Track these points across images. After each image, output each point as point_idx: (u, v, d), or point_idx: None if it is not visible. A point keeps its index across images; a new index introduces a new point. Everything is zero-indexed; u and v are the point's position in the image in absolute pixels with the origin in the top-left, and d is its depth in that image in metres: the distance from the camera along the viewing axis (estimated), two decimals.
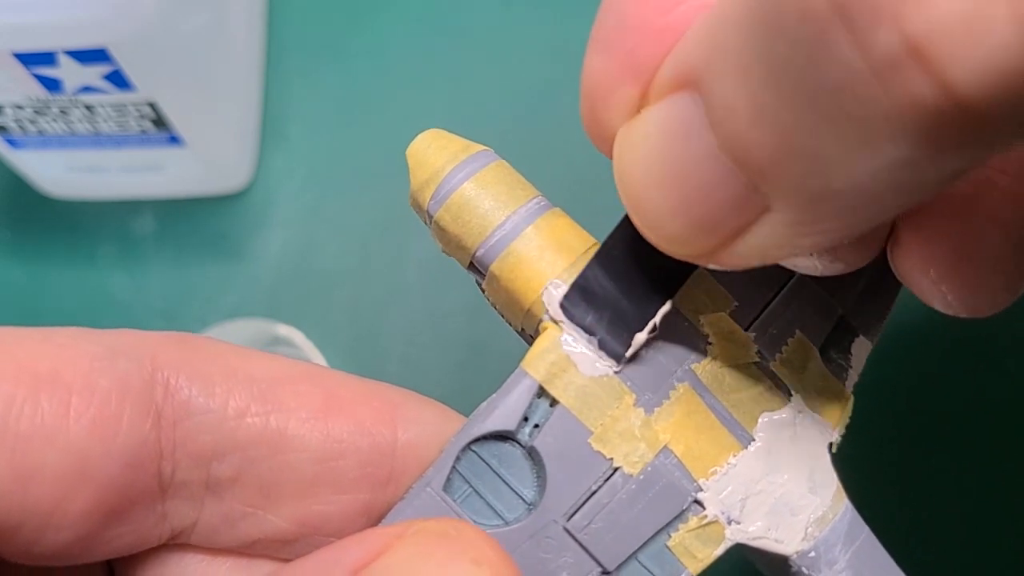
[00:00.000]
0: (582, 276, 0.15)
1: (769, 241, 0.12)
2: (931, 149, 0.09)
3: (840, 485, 0.16)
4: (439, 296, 0.37)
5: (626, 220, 0.14)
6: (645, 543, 0.15)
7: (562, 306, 0.15)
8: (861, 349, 0.16)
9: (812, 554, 0.15)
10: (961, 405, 0.34)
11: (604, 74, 0.13)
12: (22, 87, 0.31)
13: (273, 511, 0.15)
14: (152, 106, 0.33)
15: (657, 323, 0.14)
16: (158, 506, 0.15)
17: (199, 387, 0.15)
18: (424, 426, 0.15)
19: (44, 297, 0.38)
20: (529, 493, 0.15)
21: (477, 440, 0.15)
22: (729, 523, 0.15)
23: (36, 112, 0.33)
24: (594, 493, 0.14)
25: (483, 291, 0.16)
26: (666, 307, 0.15)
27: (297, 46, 0.40)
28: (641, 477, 0.15)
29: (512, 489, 0.15)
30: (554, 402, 0.14)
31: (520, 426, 0.15)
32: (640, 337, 0.14)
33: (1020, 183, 0.13)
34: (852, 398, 0.16)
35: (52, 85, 0.31)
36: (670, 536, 0.15)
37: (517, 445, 0.15)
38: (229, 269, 0.38)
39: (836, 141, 0.10)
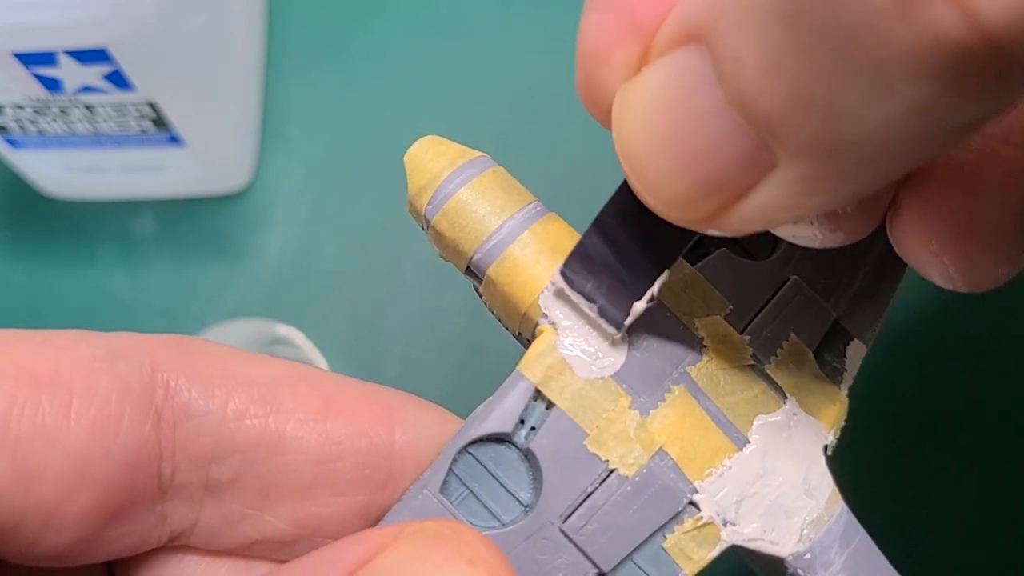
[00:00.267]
0: (581, 243, 0.14)
1: (775, 201, 0.11)
2: (954, 92, 0.09)
3: (835, 487, 0.16)
4: (438, 296, 0.37)
5: (624, 186, 0.14)
6: (641, 544, 0.15)
7: (562, 273, 0.14)
8: (856, 352, 0.16)
9: (807, 556, 0.15)
10: (961, 405, 0.34)
11: (602, 33, 0.13)
12: (22, 87, 0.31)
13: (272, 513, 0.15)
14: (152, 106, 0.33)
15: (655, 292, 0.14)
16: (158, 507, 0.15)
17: (199, 389, 0.15)
18: (422, 429, 0.15)
19: (44, 297, 0.39)
20: (525, 495, 0.15)
21: (474, 442, 0.15)
22: (724, 525, 0.15)
23: (36, 112, 0.33)
24: (590, 495, 0.15)
25: (480, 296, 0.16)
26: (664, 276, 0.14)
27: (297, 46, 0.40)
28: (636, 479, 0.15)
29: (508, 491, 0.15)
30: (550, 405, 0.15)
31: (516, 428, 0.15)
32: (639, 306, 0.14)
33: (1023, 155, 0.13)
34: (847, 400, 0.16)
35: (52, 85, 0.31)
36: (666, 538, 0.15)
37: (513, 447, 0.15)
38: (229, 269, 0.38)
39: (852, 87, 0.09)
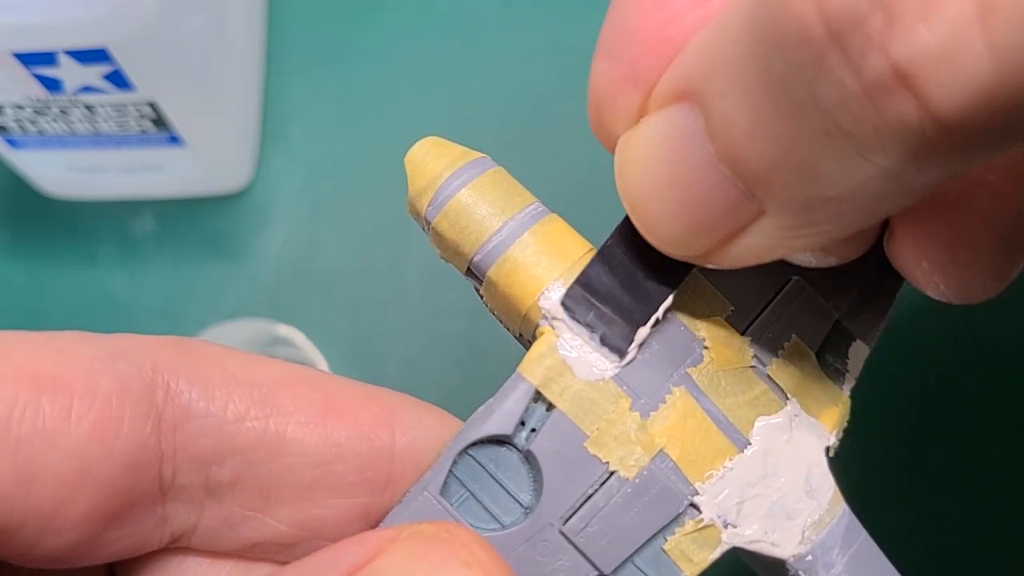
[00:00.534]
0: (584, 274, 0.15)
1: (763, 243, 0.13)
2: (916, 162, 0.10)
3: (837, 489, 0.16)
4: (439, 297, 0.37)
5: (627, 220, 0.14)
6: (641, 547, 0.15)
7: (563, 304, 0.15)
8: (858, 353, 0.16)
9: (809, 558, 0.15)
10: (964, 406, 0.34)
11: (608, 80, 0.14)
12: (22, 87, 0.31)
13: (272, 514, 0.15)
14: (152, 106, 0.33)
15: (660, 316, 0.15)
16: (158, 509, 0.15)
17: (199, 391, 0.15)
18: (422, 430, 0.15)
19: (44, 297, 0.39)
20: (525, 497, 0.15)
21: (474, 444, 0.15)
22: (725, 527, 0.15)
23: (36, 112, 0.33)
24: (590, 497, 0.15)
25: (481, 297, 0.16)
26: (669, 300, 0.15)
27: (297, 46, 0.40)
28: (637, 481, 0.15)
29: (508, 493, 0.15)
30: (550, 406, 0.15)
31: (517, 430, 0.15)
32: (643, 331, 0.15)
33: (1006, 181, 0.14)
34: (849, 402, 0.16)
35: (52, 85, 0.31)
36: (666, 540, 0.15)
37: (514, 449, 0.15)
38: (229, 269, 0.38)
39: (829, 153, 0.11)
